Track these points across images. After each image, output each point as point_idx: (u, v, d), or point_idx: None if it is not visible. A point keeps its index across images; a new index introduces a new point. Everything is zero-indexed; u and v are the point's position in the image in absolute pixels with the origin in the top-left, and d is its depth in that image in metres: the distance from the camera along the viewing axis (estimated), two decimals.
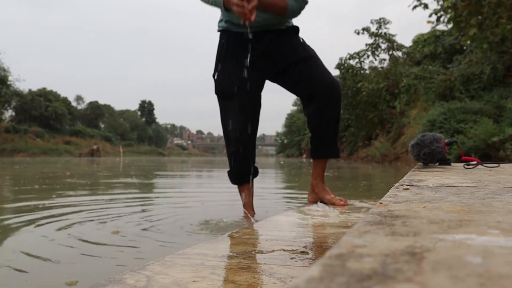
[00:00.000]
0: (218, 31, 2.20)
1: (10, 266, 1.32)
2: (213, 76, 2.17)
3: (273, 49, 2.13)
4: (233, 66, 2.10)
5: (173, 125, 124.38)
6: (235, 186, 2.25)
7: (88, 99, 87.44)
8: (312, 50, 2.22)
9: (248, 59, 2.05)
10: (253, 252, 1.11)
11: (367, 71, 19.32)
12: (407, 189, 0.92)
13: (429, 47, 17.42)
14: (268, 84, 2.23)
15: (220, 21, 2.18)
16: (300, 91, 2.21)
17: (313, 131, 2.21)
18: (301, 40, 2.21)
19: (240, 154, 2.12)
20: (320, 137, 2.20)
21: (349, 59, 19.30)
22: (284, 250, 1.14)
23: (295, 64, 2.14)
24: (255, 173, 2.21)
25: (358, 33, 18.48)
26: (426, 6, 11.19)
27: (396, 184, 1.02)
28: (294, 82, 2.18)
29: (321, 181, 2.27)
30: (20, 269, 1.29)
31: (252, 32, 2.00)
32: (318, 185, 2.26)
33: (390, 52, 18.83)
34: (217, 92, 2.15)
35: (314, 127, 2.19)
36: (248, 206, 2.18)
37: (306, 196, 3.57)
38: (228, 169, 2.22)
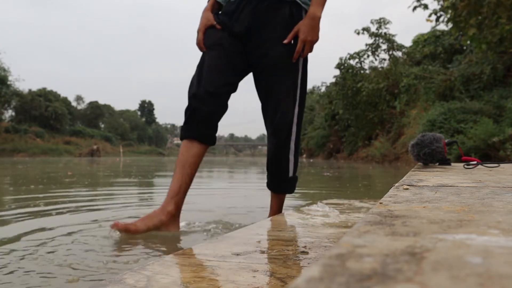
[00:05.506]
0: None
1: (12, 264, 1.33)
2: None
3: (256, 27, 1.82)
4: (215, 30, 1.87)
5: (173, 125, 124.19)
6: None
7: (88, 99, 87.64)
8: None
9: (227, 21, 1.85)
10: (253, 252, 1.11)
11: (367, 71, 19.35)
12: (407, 189, 0.92)
13: (429, 47, 17.43)
14: None
15: None
16: (259, 95, 1.95)
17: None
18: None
19: (201, 104, 1.80)
20: (268, 166, 2.01)
21: (349, 59, 19.34)
22: (284, 250, 1.14)
23: (265, 59, 1.83)
24: (209, 138, 1.86)
25: (358, 33, 18.52)
26: (426, 7, 11.20)
27: (396, 184, 1.02)
28: (256, 80, 1.93)
29: (274, 211, 2.04)
30: (22, 267, 1.29)
31: None
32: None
33: (390, 52, 18.85)
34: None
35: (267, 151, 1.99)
36: (172, 196, 1.91)
37: (305, 196, 3.56)
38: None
